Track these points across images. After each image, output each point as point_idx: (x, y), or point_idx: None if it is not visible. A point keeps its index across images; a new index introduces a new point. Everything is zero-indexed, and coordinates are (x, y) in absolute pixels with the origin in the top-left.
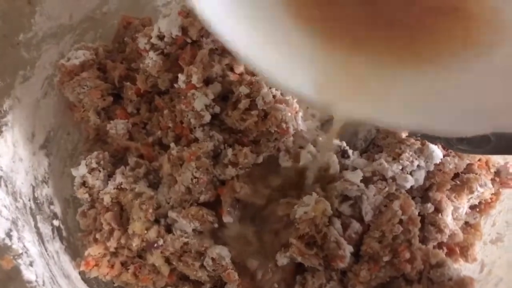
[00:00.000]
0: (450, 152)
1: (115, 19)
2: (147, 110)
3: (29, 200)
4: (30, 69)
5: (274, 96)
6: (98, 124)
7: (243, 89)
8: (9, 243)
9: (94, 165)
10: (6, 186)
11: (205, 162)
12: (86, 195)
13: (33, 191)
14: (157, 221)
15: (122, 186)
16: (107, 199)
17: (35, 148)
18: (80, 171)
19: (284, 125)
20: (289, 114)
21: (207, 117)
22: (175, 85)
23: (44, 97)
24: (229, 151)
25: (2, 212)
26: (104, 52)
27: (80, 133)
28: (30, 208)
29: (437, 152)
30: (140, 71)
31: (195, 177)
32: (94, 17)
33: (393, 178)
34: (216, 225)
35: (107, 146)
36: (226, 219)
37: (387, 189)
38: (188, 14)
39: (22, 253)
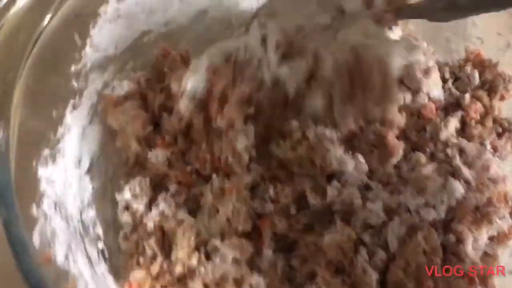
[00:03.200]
0: (472, 188)
1: (154, 48)
2: (184, 141)
3: (78, 222)
4: (78, 98)
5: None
6: (138, 151)
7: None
8: (68, 268)
9: (137, 191)
10: (60, 211)
11: (245, 194)
12: (130, 219)
13: (80, 215)
14: (197, 248)
15: (165, 213)
16: (150, 225)
17: (81, 173)
18: (125, 196)
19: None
20: (334, 151)
21: (246, 158)
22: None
23: (89, 124)
24: (271, 189)
25: (59, 237)
26: (145, 82)
27: (119, 158)
28: (80, 231)
29: (459, 188)
30: (174, 111)
31: (236, 209)
32: (135, 47)
33: (417, 211)
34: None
35: (145, 172)
36: (267, 251)
37: (410, 220)
38: (216, 71)
39: (79, 276)
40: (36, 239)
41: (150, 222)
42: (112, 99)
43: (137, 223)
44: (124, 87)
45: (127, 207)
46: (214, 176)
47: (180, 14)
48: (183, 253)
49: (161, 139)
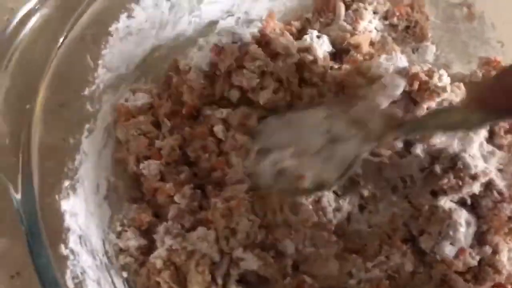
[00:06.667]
0: (506, 199)
1: (165, 63)
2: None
3: (103, 255)
4: (93, 122)
5: None
6: (134, 171)
7: None
8: None
9: (118, 228)
10: (86, 245)
11: (248, 205)
12: (128, 259)
13: (104, 245)
14: (213, 278)
15: (173, 247)
16: (159, 264)
17: (100, 199)
18: (111, 239)
19: None
20: None
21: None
22: None
23: (105, 147)
24: None
25: (89, 275)
26: (156, 95)
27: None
28: (105, 264)
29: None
30: (185, 87)
31: (250, 220)
32: (145, 64)
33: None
34: None
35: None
36: None
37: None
38: (221, 51)
39: None
40: (69, 282)
41: (159, 261)
42: (126, 110)
43: (138, 258)
44: (138, 98)
45: (120, 249)
46: (213, 200)
47: (190, 27)
48: None
49: (157, 150)
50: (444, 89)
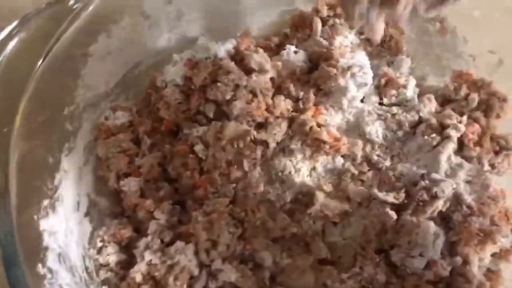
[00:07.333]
0: (474, 213)
1: (145, 80)
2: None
3: (83, 272)
4: (73, 140)
5: None
6: (115, 187)
7: None
8: None
9: (99, 244)
10: (65, 262)
11: (228, 218)
12: (108, 274)
13: (84, 262)
14: None
15: (152, 262)
16: (139, 278)
17: (81, 217)
18: (91, 254)
19: None
20: None
21: None
22: None
23: (85, 164)
24: None
25: None
26: (135, 112)
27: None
28: (85, 280)
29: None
30: (161, 103)
31: (231, 232)
32: (126, 81)
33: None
34: None
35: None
36: None
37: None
38: (195, 65)
39: None
40: None
41: (138, 275)
42: (106, 128)
43: (118, 272)
44: (119, 117)
45: (101, 265)
46: (194, 213)
47: (170, 44)
48: None
49: (136, 167)
50: (404, 86)
